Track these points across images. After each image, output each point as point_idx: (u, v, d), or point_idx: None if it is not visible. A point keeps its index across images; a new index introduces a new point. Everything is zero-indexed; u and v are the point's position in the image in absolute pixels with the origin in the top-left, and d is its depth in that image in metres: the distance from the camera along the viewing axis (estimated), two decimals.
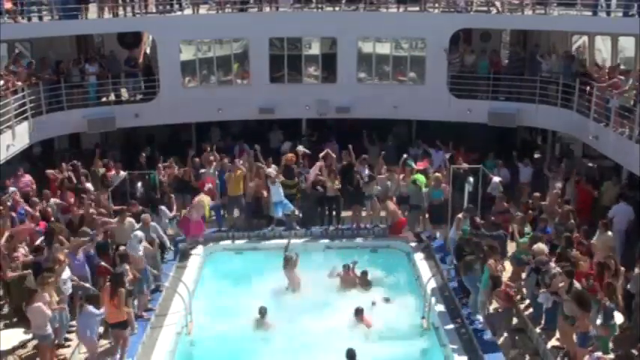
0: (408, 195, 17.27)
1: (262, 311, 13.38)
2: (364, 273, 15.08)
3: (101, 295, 11.92)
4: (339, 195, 17.68)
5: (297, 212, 17.83)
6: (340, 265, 15.30)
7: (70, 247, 13.05)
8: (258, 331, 13.25)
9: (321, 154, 18.31)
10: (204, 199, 16.72)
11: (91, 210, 15.19)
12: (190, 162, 18.31)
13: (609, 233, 13.62)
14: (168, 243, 15.85)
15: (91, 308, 11.20)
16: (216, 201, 17.47)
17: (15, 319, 12.72)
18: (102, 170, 17.77)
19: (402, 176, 17.51)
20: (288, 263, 14.89)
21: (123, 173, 17.25)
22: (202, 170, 17.85)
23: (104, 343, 12.12)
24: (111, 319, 11.58)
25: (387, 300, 14.36)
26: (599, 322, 11.10)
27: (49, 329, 11.19)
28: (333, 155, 18.42)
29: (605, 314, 11.10)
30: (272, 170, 17.54)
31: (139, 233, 13.75)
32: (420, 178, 17.18)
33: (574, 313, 11.04)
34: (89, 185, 17.01)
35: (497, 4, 20.94)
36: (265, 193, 17.46)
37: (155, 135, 21.88)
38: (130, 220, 14.72)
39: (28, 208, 15.18)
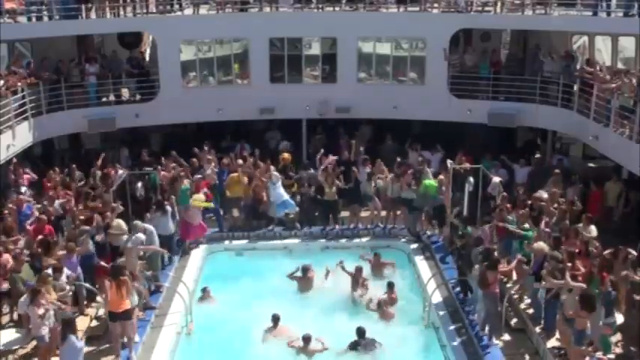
0: (410, 198, 17.25)
1: (275, 318, 13.04)
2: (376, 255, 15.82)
3: (101, 288, 11.98)
4: (336, 199, 17.64)
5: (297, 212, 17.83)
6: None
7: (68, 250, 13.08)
8: (269, 341, 12.87)
9: (318, 157, 18.31)
10: (197, 197, 16.29)
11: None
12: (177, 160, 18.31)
13: (592, 227, 13.78)
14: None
15: (73, 339, 10.65)
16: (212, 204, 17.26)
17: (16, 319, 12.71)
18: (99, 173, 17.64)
19: (409, 182, 17.31)
20: (305, 276, 14.93)
21: (122, 172, 17.24)
22: (208, 171, 17.48)
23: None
24: (119, 308, 11.57)
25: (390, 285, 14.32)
26: (601, 323, 11.10)
27: (43, 331, 11.21)
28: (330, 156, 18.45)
29: (606, 310, 11.11)
30: (275, 172, 17.52)
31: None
32: (432, 185, 17.02)
33: (575, 310, 11.05)
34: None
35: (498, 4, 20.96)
36: (265, 195, 17.49)
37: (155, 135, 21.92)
38: (118, 221, 14.55)
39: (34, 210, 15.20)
